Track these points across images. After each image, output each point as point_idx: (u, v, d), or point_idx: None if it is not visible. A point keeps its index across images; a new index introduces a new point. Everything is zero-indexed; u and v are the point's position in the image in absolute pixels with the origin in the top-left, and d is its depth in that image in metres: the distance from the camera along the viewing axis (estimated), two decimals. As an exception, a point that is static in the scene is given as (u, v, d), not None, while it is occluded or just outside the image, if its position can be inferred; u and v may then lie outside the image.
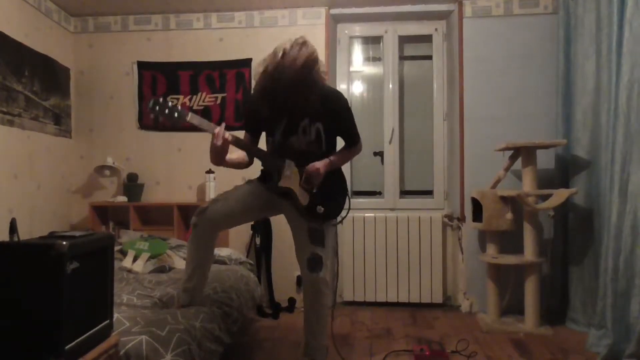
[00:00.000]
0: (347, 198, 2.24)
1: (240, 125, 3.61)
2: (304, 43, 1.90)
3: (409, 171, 3.94)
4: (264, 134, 2.24)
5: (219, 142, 1.94)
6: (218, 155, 2.01)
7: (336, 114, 2.12)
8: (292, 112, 2.04)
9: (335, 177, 2.21)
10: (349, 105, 2.20)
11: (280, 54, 1.88)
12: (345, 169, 2.33)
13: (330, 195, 2.17)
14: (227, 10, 3.72)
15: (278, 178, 2.09)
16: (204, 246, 2.16)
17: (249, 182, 2.28)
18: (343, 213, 2.24)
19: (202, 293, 2.19)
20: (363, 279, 3.66)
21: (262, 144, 2.23)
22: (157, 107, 1.89)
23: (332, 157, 2.17)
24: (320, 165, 2.10)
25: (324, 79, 2.00)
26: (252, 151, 2.15)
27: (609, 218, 2.61)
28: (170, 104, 1.93)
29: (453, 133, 3.70)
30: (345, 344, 2.76)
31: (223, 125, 1.98)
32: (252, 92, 2.11)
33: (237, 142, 2.05)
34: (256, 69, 1.98)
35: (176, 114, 1.91)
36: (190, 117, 1.92)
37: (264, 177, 2.23)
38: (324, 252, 2.12)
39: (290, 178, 2.10)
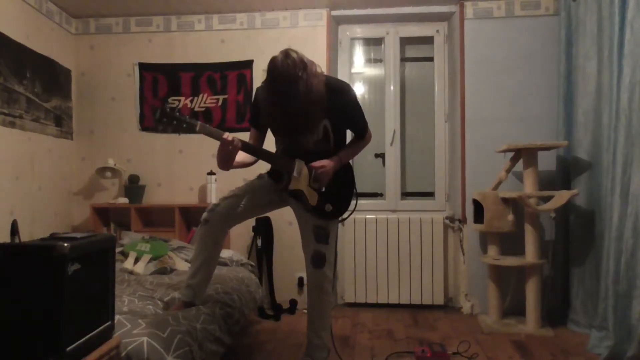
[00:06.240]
0: (354, 194, 2.25)
1: (242, 127, 3.63)
2: (286, 55, 1.87)
3: (410, 173, 3.94)
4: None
5: (229, 149, 1.95)
6: (226, 161, 2.02)
7: (343, 108, 2.10)
8: (298, 121, 2.03)
9: (343, 174, 2.21)
10: (355, 95, 2.18)
11: (268, 73, 1.89)
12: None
13: (339, 193, 2.18)
14: (229, 11, 3.72)
15: (288, 180, 2.10)
16: (213, 243, 2.17)
17: (260, 177, 2.29)
18: (350, 210, 2.26)
19: (205, 291, 2.20)
20: (364, 280, 3.66)
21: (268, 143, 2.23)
22: (165, 119, 1.89)
23: (340, 154, 2.17)
24: (327, 163, 2.10)
25: (321, 75, 1.97)
26: (261, 155, 2.13)
27: (610, 220, 2.61)
28: (178, 113, 1.92)
29: (454, 134, 3.70)
30: (346, 346, 2.75)
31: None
32: (259, 87, 2.13)
33: (246, 147, 2.04)
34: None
35: (185, 125, 1.91)
36: (200, 128, 1.91)
37: (274, 175, 2.22)
38: (327, 249, 2.14)
39: (299, 179, 2.10)
